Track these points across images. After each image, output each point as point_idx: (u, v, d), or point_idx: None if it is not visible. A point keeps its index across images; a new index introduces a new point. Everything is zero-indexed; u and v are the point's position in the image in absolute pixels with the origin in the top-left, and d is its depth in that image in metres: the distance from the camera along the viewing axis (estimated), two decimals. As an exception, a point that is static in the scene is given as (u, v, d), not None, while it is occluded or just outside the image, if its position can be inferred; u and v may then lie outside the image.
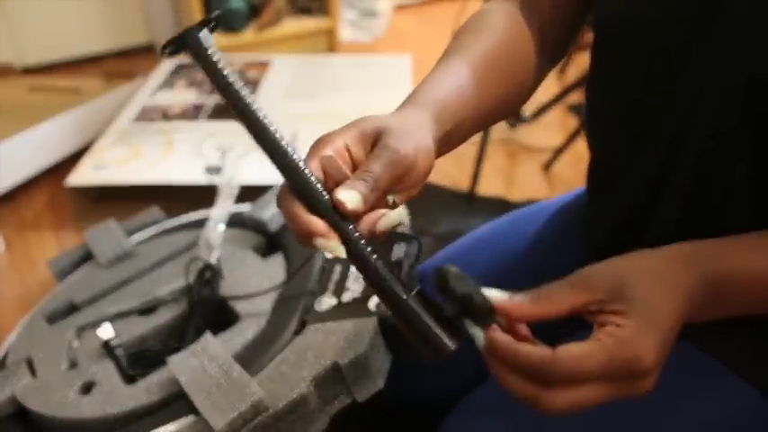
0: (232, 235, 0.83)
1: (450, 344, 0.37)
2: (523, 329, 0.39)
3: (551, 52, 0.58)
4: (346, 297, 0.64)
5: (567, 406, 0.36)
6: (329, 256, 0.74)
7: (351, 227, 0.37)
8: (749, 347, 0.52)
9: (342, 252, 0.37)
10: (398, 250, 0.69)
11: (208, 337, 0.62)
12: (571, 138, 1.47)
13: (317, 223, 0.37)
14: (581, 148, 1.45)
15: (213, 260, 0.76)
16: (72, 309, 0.80)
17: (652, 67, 0.52)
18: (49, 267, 0.90)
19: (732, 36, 0.45)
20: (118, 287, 0.81)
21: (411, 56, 1.83)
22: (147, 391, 0.61)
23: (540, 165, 1.54)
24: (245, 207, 0.88)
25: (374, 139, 0.41)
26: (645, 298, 0.36)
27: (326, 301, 0.64)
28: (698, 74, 0.48)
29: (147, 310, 0.75)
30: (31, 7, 1.98)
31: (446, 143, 0.46)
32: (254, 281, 0.73)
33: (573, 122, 1.65)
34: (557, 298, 0.37)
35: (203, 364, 0.58)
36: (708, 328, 0.53)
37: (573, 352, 0.34)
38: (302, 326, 0.63)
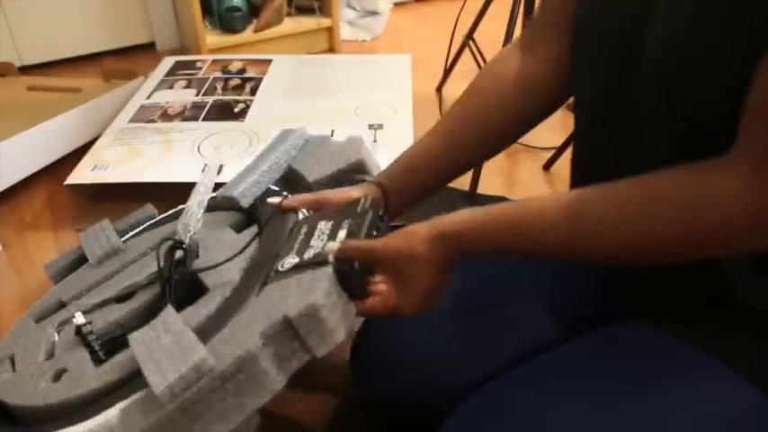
0: (211, 218, 0.82)
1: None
2: None
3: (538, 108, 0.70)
4: (308, 254, 0.61)
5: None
6: (302, 215, 0.72)
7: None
8: (749, 346, 0.52)
9: None
10: (364, 203, 0.65)
11: (168, 310, 0.61)
12: (571, 137, 1.47)
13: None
14: (582, 147, 1.45)
15: (186, 239, 0.75)
16: (60, 307, 0.80)
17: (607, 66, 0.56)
18: (45, 271, 0.90)
19: (655, 34, 0.48)
20: (103, 281, 0.80)
21: (411, 54, 1.83)
22: (110, 370, 0.60)
23: (541, 164, 1.54)
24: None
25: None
26: (407, 273, 0.56)
27: (289, 261, 0.61)
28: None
29: (125, 296, 0.74)
30: (30, 7, 1.98)
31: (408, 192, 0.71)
32: (226, 254, 0.71)
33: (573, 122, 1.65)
34: (364, 247, 0.57)
35: (159, 336, 0.57)
36: (708, 327, 0.53)
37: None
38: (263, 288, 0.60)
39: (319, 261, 0.58)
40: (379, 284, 0.57)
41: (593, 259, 0.54)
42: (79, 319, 0.67)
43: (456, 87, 1.86)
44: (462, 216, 0.55)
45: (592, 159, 0.63)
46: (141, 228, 0.93)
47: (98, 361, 0.64)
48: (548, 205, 0.51)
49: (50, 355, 0.69)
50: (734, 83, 0.43)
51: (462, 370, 0.65)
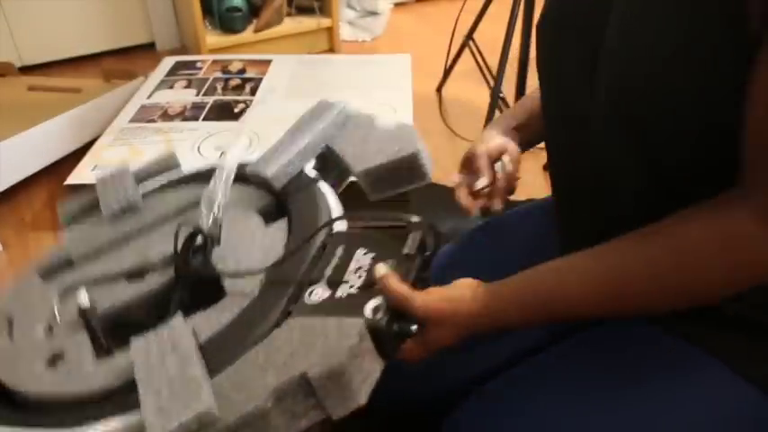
0: (238, 193, 0.72)
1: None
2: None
3: None
4: (342, 291, 0.55)
5: None
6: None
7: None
8: (746, 344, 0.52)
9: None
10: (412, 243, 0.59)
11: (178, 319, 0.55)
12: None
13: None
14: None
15: (207, 224, 0.66)
16: (68, 264, 0.74)
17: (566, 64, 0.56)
18: (58, 210, 0.85)
19: (613, 36, 0.48)
20: (116, 244, 0.73)
21: (411, 54, 1.83)
22: (109, 373, 0.55)
23: (541, 164, 1.54)
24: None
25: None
26: (432, 333, 0.52)
27: (318, 293, 0.55)
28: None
29: (135, 274, 0.67)
30: (30, 7, 1.98)
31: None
32: (250, 252, 0.63)
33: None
34: (402, 295, 0.51)
35: (164, 354, 0.52)
36: (704, 326, 0.53)
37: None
38: (286, 317, 0.54)
39: (353, 305, 0.52)
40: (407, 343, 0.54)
41: (633, 315, 0.53)
42: (84, 300, 0.60)
43: (456, 87, 1.86)
44: (506, 293, 0.52)
45: (561, 158, 0.63)
46: (164, 182, 0.84)
47: (100, 347, 0.59)
48: (579, 278, 0.50)
49: (50, 326, 0.63)
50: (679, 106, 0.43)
51: (461, 370, 0.65)
